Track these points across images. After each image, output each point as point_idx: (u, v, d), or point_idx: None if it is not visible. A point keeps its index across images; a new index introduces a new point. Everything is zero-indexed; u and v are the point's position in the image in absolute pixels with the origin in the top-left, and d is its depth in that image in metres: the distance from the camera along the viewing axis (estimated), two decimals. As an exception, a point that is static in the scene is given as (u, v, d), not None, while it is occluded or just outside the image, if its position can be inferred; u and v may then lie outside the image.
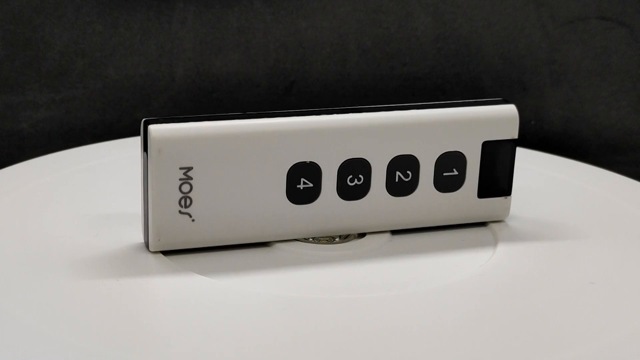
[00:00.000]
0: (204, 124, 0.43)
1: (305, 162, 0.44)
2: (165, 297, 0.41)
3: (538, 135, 0.71)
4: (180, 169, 0.42)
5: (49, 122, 0.68)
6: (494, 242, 0.47)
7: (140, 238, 0.45)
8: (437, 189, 0.46)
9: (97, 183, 0.52)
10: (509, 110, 0.46)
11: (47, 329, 0.37)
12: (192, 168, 0.42)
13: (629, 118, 0.71)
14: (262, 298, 0.40)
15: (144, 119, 0.43)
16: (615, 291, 0.42)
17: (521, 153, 0.58)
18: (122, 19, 0.69)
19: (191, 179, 0.42)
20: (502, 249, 0.46)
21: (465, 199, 0.47)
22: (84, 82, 0.68)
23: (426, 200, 0.46)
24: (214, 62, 0.69)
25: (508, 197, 0.47)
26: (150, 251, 0.43)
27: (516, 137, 0.46)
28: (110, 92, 0.69)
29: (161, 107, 0.69)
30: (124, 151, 0.56)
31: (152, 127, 0.42)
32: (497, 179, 0.47)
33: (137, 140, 0.59)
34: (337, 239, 0.46)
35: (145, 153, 0.42)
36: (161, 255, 0.43)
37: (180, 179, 0.42)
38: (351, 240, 0.46)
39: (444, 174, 0.46)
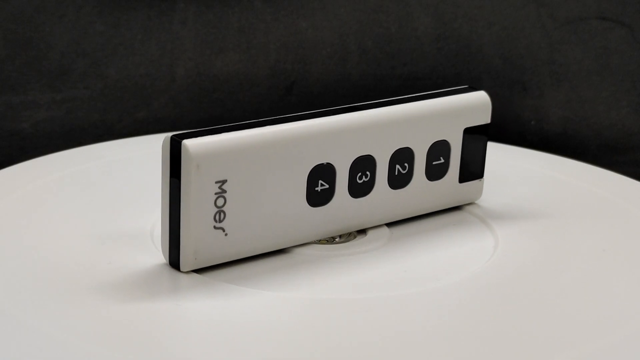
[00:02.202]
0: (234, 135, 0.41)
1: (322, 164, 0.44)
2: (221, 311, 0.40)
3: (538, 135, 0.71)
4: (216, 182, 0.41)
5: (50, 122, 0.68)
6: (493, 237, 0.47)
7: (156, 254, 0.43)
8: (427, 178, 0.47)
9: (99, 184, 0.52)
10: (482, 96, 0.48)
11: (112, 356, 0.37)
12: (226, 181, 0.41)
13: (629, 118, 0.71)
14: (278, 300, 0.41)
15: (171, 135, 0.41)
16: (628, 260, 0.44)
17: (521, 153, 0.59)
18: (123, 19, 0.69)
19: (225, 192, 0.41)
20: (504, 244, 0.46)
21: (449, 185, 0.48)
22: (85, 82, 0.68)
23: (419, 190, 0.47)
24: (214, 62, 0.69)
25: (482, 179, 0.49)
26: (181, 271, 0.42)
27: (489, 121, 0.49)
28: (111, 92, 0.69)
29: (162, 107, 0.69)
30: (124, 151, 0.56)
31: (188, 143, 0.40)
32: (473, 163, 0.49)
33: (137, 140, 0.60)
34: (337, 239, 0.46)
35: (173, 170, 0.41)
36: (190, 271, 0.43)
37: (215, 193, 0.41)
38: (351, 240, 0.46)
39: (433, 163, 0.47)
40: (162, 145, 0.41)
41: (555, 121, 0.71)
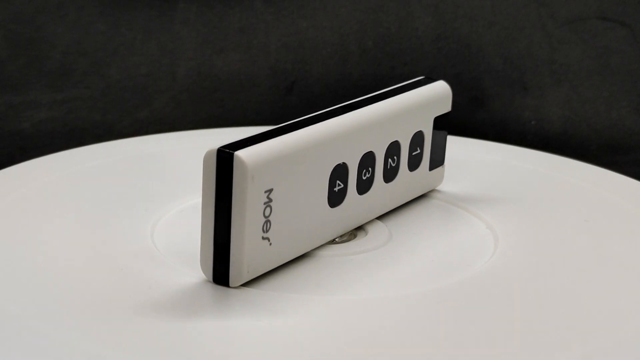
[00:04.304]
0: (278, 141, 0.41)
1: (340, 163, 0.44)
2: (297, 320, 0.40)
3: (538, 135, 0.71)
4: (265, 192, 0.40)
5: (51, 122, 0.68)
6: (493, 238, 0.47)
7: (179, 270, 0.43)
8: (409, 169, 0.49)
9: (99, 184, 0.52)
10: (444, 86, 0.50)
11: None
12: (272, 190, 0.41)
13: (629, 118, 0.71)
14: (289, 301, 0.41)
15: (217, 148, 0.40)
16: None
17: (522, 153, 0.59)
18: (124, 18, 0.69)
19: (272, 201, 0.41)
20: (505, 243, 0.46)
21: (423, 174, 0.50)
22: (86, 82, 0.68)
23: (404, 181, 0.49)
24: (215, 62, 0.70)
25: (443, 165, 0.51)
26: (230, 286, 0.41)
27: (450, 109, 0.50)
28: (112, 92, 0.69)
29: (162, 107, 0.69)
30: (125, 151, 0.56)
31: (241, 154, 0.39)
32: (439, 150, 0.50)
33: (138, 141, 0.60)
34: (337, 239, 0.46)
35: (221, 183, 0.40)
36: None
37: (264, 203, 0.40)
38: (351, 240, 0.46)
39: (413, 154, 0.49)
40: (205, 159, 0.40)
41: (555, 121, 0.71)
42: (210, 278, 0.41)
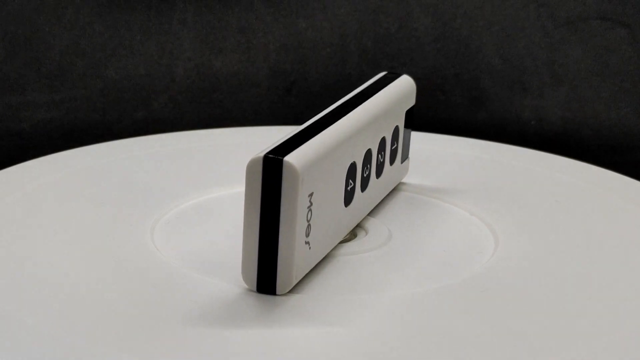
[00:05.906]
0: (314, 144, 0.41)
1: (352, 162, 0.44)
2: (361, 321, 0.39)
3: (538, 135, 0.71)
4: (308, 196, 0.40)
5: (50, 122, 0.68)
6: (494, 239, 0.47)
7: (206, 280, 0.42)
8: (390, 163, 0.49)
9: (98, 185, 0.52)
10: (409, 80, 0.51)
11: None
12: (313, 193, 0.40)
13: (629, 118, 0.71)
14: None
15: (263, 155, 0.39)
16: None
17: (522, 153, 0.58)
18: (122, 19, 0.69)
19: (312, 204, 0.40)
20: (505, 243, 0.46)
21: (397, 167, 0.50)
22: (84, 83, 0.68)
23: (386, 175, 0.49)
24: (214, 62, 0.69)
25: (408, 158, 0.52)
26: (276, 294, 0.40)
27: (414, 103, 0.51)
28: (110, 92, 0.69)
29: (161, 107, 0.69)
30: (124, 151, 0.56)
31: (291, 160, 0.39)
32: (407, 143, 0.51)
33: (137, 141, 0.59)
34: (339, 239, 0.46)
35: (268, 190, 0.39)
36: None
37: (307, 207, 0.40)
38: (352, 240, 0.46)
39: (392, 148, 0.49)
40: (249, 166, 0.39)
41: (555, 121, 0.71)
42: (254, 287, 0.40)
